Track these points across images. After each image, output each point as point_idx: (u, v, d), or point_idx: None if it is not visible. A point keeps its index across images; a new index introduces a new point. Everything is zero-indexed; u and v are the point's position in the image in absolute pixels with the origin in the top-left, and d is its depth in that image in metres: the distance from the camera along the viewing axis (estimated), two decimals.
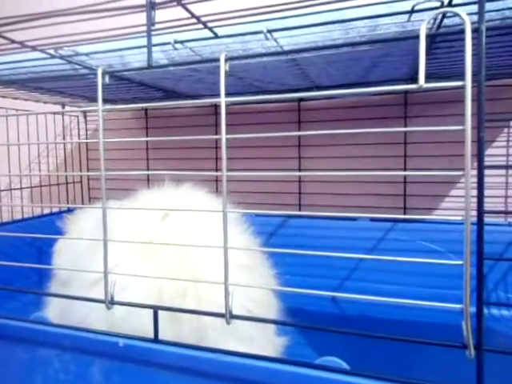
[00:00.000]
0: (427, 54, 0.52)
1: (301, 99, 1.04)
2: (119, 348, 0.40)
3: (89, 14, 0.39)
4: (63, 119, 1.30)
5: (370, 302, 0.85)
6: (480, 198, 0.29)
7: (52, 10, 0.42)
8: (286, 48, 0.56)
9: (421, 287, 0.84)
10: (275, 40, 0.53)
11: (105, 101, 1.24)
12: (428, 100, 0.95)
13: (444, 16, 0.47)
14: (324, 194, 1.04)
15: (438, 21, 0.50)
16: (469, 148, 0.29)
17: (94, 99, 1.12)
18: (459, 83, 0.29)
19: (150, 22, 0.37)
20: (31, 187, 1.31)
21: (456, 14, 0.28)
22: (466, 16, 0.28)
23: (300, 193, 1.06)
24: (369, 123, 0.99)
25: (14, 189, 1.32)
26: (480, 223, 0.29)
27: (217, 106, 1.12)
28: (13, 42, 0.52)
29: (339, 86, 0.90)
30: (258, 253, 0.56)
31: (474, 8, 0.42)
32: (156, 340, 0.40)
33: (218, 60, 0.35)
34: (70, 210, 1.27)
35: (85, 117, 1.34)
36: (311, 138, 1.05)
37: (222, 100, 0.35)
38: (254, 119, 1.07)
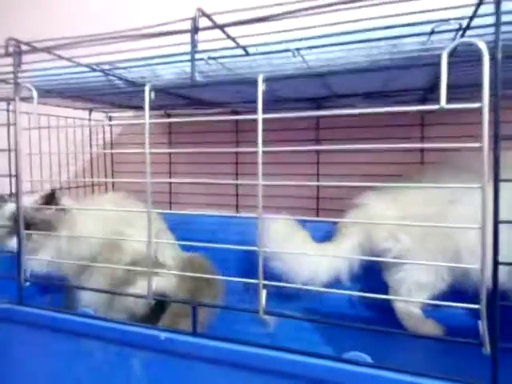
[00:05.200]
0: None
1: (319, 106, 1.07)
2: (161, 341, 0.44)
3: (139, 38, 0.43)
4: (90, 124, 1.36)
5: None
6: (496, 208, 0.32)
7: (100, 32, 0.47)
8: (311, 63, 0.59)
9: None
10: (302, 57, 0.57)
11: (128, 107, 1.29)
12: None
13: (463, 35, 0.50)
14: (342, 199, 1.07)
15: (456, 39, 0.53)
16: (486, 164, 0.32)
17: (118, 105, 1.18)
18: (477, 105, 0.32)
19: (194, 44, 0.41)
20: (61, 189, 1.37)
21: (472, 44, 0.31)
22: (483, 45, 0.31)
23: (318, 198, 1.09)
24: (387, 130, 1.01)
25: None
26: (496, 232, 0.32)
27: (238, 113, 1.17)
28: (60, 58, 0.56)
29: (359, 95, 0.92)
30: None
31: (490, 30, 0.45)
32: (194, 333, 0.44)
33: (255, 80, 0.38)
34: None
35: (110, 121, 1.39)
36: (329, 144, 1.08)
37: (259, 117, 0.39)
38: (274, 126, 1.10)
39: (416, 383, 0.33)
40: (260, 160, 0.39)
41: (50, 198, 0.71)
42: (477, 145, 0.32)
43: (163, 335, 0.44)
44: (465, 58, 0.34)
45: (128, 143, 1.34)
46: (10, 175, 0.61)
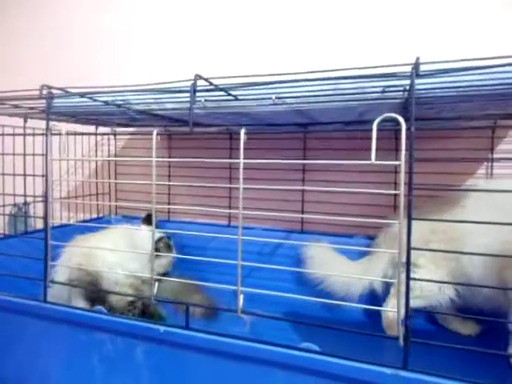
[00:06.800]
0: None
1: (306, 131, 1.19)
2: (160, 333, 0.56)
3: (151, 91, 0.55)
4: (96, 138, 1.48)
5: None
6: (409, 238, 0.44)
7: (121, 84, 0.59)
8: (291, 105, 0.71)
9: None
10: (283, 100, 0.69)
11: (128, 125, 1.40)
12: (418, 135, 1.09)
13: (411, 87, 0.62)
14: (324, 213, 1.19)
15: (406, 92, 0.65)
16: (402, 205, 0.44)
17: (121, 124, 1.30)
18: (398, 162, 0.44)
19: (193, 99, 0.53)
20: (69, 197, 1.48)
21: (396, 119, 0.43)
22: (402, 120, 0.43)
23: (303, 211, 1.21)
24: (364, 153, 1.13)
25: (58, 199, 1.49)
26: (408, 256, 0.44)
27: (231, 133, 1.29)
28: (82, 96, 0.68)
29: (338, 122, 1.04)
30: None
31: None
32: (187, 327, 0.55)
33: (239, 133, 0.50)
34: (98, 219, 1.45)
35: (114, 136, 1.51)
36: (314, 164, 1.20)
37: (241, 161, 0.50)
38: (265, 144, 1.22)
39: (337, 363, 0.46)
40: (241, 196, 0.50)
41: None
42: (396, 192, 0.44)
43: (162, 328, 0.56)
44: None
45: (130, 157, 1.46)
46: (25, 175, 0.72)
